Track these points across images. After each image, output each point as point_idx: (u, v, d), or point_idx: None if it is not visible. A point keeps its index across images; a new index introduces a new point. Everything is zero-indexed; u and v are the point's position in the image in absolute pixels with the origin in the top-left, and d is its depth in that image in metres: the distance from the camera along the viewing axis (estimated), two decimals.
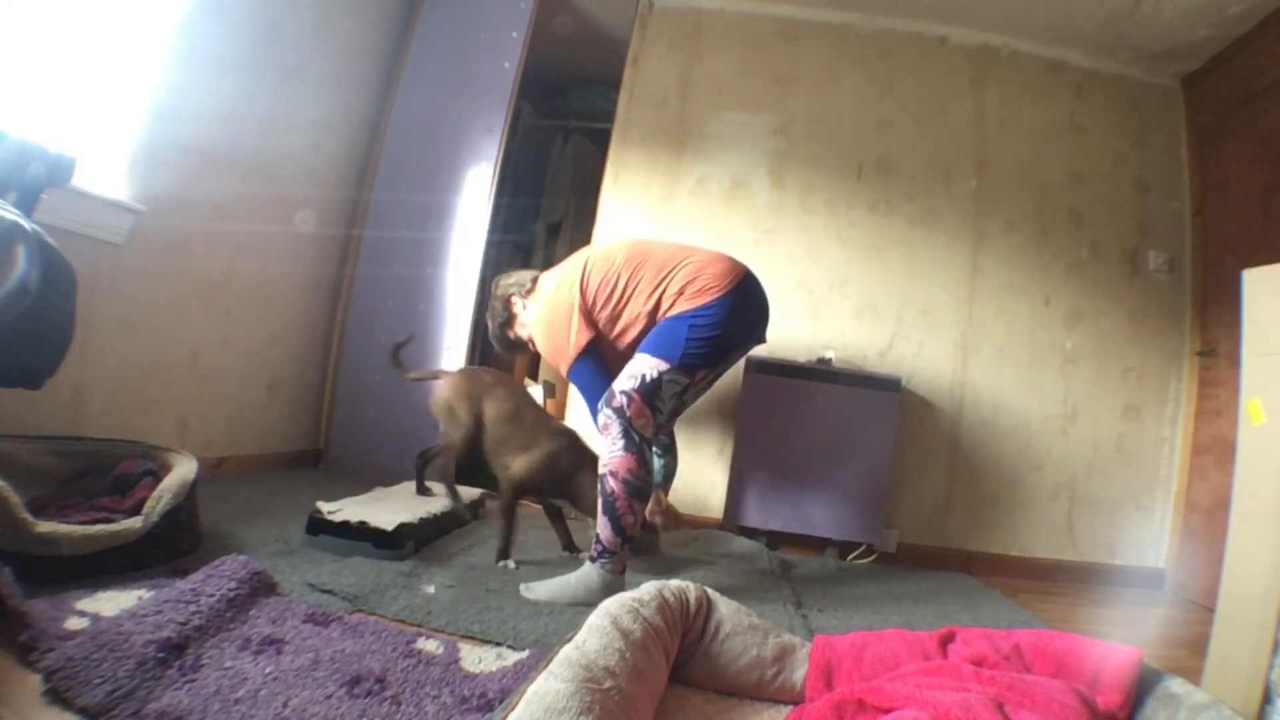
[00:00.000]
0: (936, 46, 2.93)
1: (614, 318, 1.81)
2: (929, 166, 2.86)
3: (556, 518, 2.04)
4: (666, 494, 2.25)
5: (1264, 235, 2.41)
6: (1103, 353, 2.77)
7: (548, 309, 1.86)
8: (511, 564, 1.80)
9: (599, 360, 1.82)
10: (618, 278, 1.80)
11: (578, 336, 1.79)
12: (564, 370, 1.84)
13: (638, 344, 1.79)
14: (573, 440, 1.92)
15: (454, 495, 2.03)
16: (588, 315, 1.80)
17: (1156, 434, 2.74)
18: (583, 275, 1.82)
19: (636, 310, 1.78)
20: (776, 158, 2.88)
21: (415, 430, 2.73)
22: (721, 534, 2.51)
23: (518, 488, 1.84)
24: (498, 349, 2.11)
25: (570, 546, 2.02)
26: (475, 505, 2.30)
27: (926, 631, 1.16)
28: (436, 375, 2.11)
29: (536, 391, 3.43)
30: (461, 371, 2.07)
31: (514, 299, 2.00)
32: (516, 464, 1.86)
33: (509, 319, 2.02)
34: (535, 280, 2.00)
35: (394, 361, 2.14)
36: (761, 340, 1.95)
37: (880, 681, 0.96)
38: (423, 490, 2.17)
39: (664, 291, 1.76)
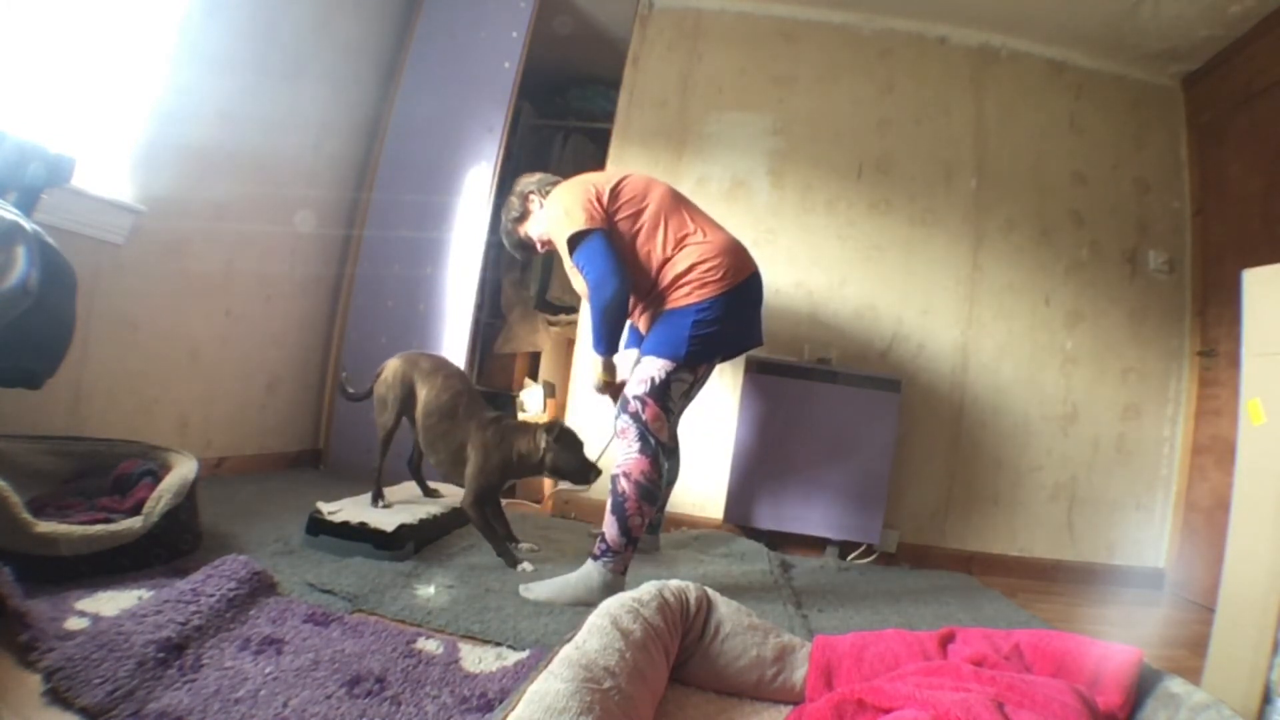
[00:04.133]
0: (936, 46, 2.93)
1: (632, 232, 1.77)
2: (929, 166, 2.86)
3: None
4: (668, 499, 2.26)
5: (1264, 235, 2.41)
6: (1103, 353, 2.77)
7: (566, 189, 1.81)
8: (528, 566, 1.79)
9: (613, 248, 1.72)
10: (646, 203, 1.79)
11: (590, 217, 1.72)
12: (569, 246, 1.73)
13: (644, 270, 1.77)
14: (499, 425, 1.84)
15: (379, 492, 1.96)
16: (605, 208, 1.75)
17: (1156, 434, 2.74)
18: (616, 182, 1.80)
19: (652, 245, 1.76)
20: (776, 158, 2.88)
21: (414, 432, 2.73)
22: (721, 534, 2.51)
23: (475, 504, 1.80)
24: (506, 245, 2.06)
25: (428, 491, 2.13)
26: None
27: (926, 631, 1.16)
28: (379, 371, 2.01)
29: (536, 392, 3.43)
30: (400, 356, 1.98)
31: (532, 196, 1.93)
32: (466, 483, 1.82)
33: (523, 214, 1.95)
34: (557, 184, 1.92)
35: (343, 395, 2.07)
36: (759, 342, 1.95)
37: (880, 681, 0.96)
38: (428, 492, 2.17)
39: (677, 255, 1.75)
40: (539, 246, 1.97)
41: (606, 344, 1.76)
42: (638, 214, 1.78)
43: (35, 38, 1.64)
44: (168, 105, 1.96)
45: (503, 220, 2.01)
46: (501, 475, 1.83)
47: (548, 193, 1.90)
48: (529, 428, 1.85)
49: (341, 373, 2.18)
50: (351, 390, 2.06)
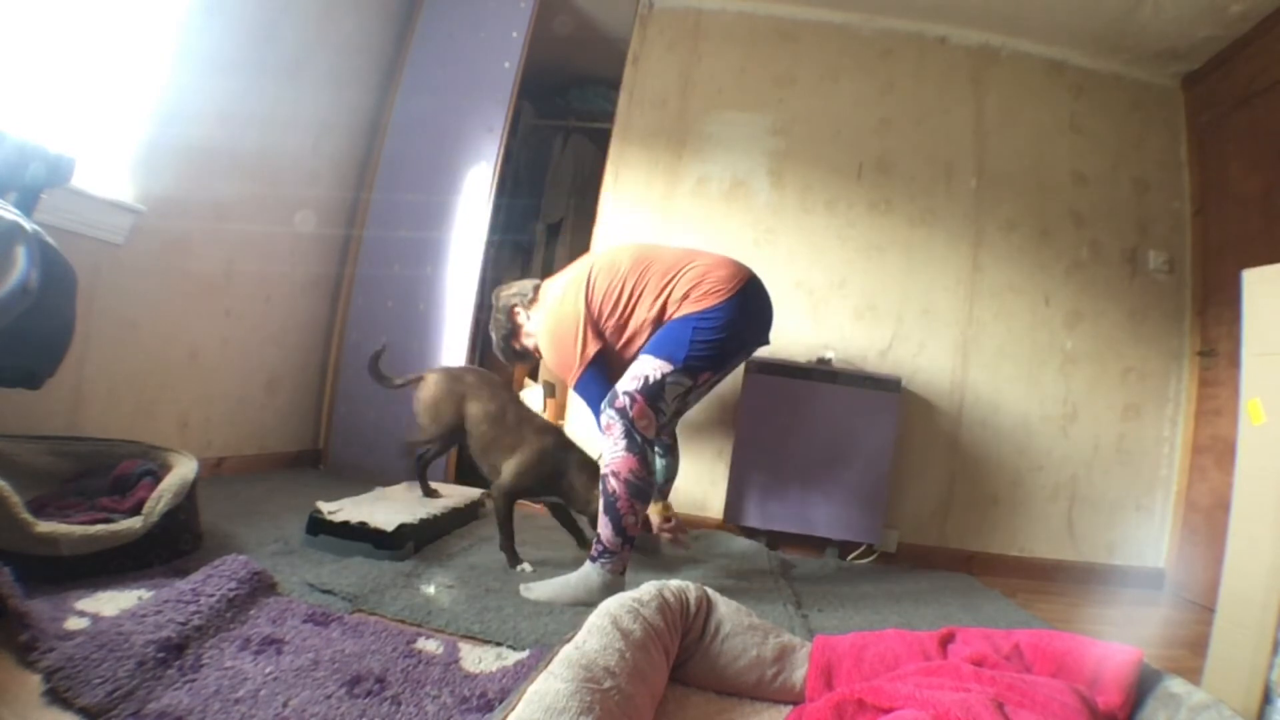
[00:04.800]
0: (936, 46, 2.93)
1: (620, 326, 1.80)
2: (929, 166, 2.86)
3: (565, 518, 2.03)
4: (667, 495, 2.26)
5: (1264, 235, 2.41)
6: (1103, 353, 2.77)
7: (553, 320, 1.84)
8: (527, 567, 1.79)
9: (604, 371, 1.80)
10: (623, 285, 1.79)
11: (585, 349, 1.78)
12: (571, 383, 1.82)
13: (647, 330, 1.78)
14: (559, 437, 1.90)
15: (426, 488, 2.07)
16: (594, 326, 1.79)
17: (1156, 434, 2.74)
18: (588, 284, 1.81)
19: (642, 317, 1.77)
20: (776, 158, 2.88)
21: (415, 430, 2.73)
22: (721, 534, 2.51)
23: (508, 494, 1.82)
24: (503, 360, 2.10)
25: (585, 545, 1.96)
26: (476, 505, 2.30)
27: (926, 631, 1.16)
28: (420, 377, 2.04)
29: (536, 393, 3.43)
30: (445, 371, 2.02)
31: (517, 309, 1.99)
32: (504, 469, 1.84)
33: (513, 330, 2.01)
34: (537, 289, 1.98)
35: (373, 373, 2.08)
36: (765, 342, 1.95)
37: (880, 681, 0.96)
38: (429, 492, 2.17)
39: (669, 296, 1.75)
40: (536, 354, 2.01)
41: None
42: (620, 296, 1.78)
43: (35, 38, 1.64)
44: (168, 105, 1.96)
45: (494, 338, 2.04)
46: (543, 486, 1.85)
47: (531, 301, 1.96)
48: (595, 468, 1.85)
49: (381, 340, 2.19)
50: (387, 376, 2.07)
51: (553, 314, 1.85)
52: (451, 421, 1.93)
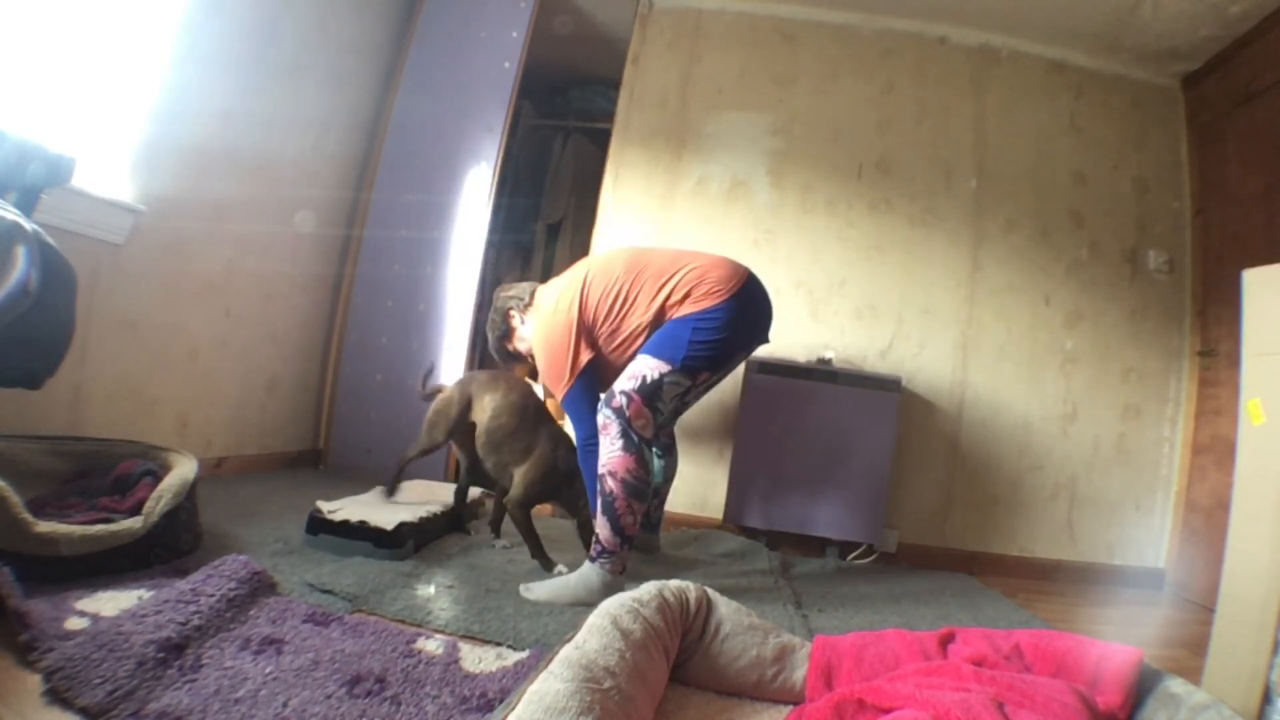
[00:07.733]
0: (936, 46, 2.93)
1: (614, 331, 1.78)
2: (929, 166, 2.86)
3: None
4: (666, 495, 2.26)
5: (1264, 235, 2.41)
6: (1103, 353, 2.77)
7: (546, 328, 1.82)
8: (564, 569, 1.76)
9: (594, 385, 1.80)
10: (618, 290, 1.77)
11: (576, 358, 1.77)
12: (559, 395, 1.81)
13: (644, 334, 1.78)
14: (569, 446, 1.89)
15: (392, 490, 2.06)
16: (587, 334, 1.78)
17: (1156, 434, 2.74)
18: (583, 290, 1.79)
19: (636, 321, 1.76)
20: (776, 158, 2.88)
21: (415, 430, 2.73)
22: (721, 534, 2.51)
23: (522, 506, 1.83)
24: (497, 360, 2.10)
25: (391, 491, 2.06)
26: (475, 504, 2.30)
27: (926, 631, 1.16)
28: (440, 389, 2.09)
29: (536, 392, 3.43)
30: (458, 381, 2.05)
31: (512, 312, 1.98)
32: (516, 480, 1.85)
33: (507, 332, 2.00)
34: (533, 294, 1.96)
35: (422, 390, 2.20)
36: (765, 341, 1.95)
37: (880, 681, 0.96)
38: (391, 492, 2.17)
39: (666, 300, 1.73)
40: (530, 359, 2.01)
41: None
42: (614, 301, 1.77)
43: (35, 38, 1.64)
44: (168, 105, 1.96)
45: (490, 338, 2.05)
46: (548, 494, 1.88)
47: (526, 305, 1.96)
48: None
49: (428, 365, 2.38)
50: (427, 391, 2.14)
51: (545, 322, 1.84)
52: (449, 425, 1.96)
